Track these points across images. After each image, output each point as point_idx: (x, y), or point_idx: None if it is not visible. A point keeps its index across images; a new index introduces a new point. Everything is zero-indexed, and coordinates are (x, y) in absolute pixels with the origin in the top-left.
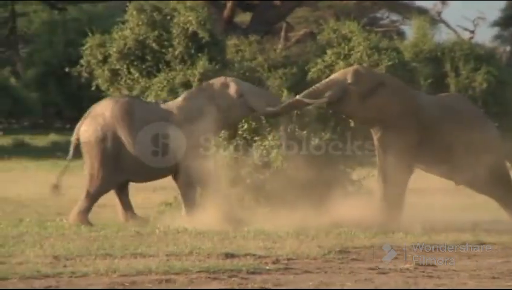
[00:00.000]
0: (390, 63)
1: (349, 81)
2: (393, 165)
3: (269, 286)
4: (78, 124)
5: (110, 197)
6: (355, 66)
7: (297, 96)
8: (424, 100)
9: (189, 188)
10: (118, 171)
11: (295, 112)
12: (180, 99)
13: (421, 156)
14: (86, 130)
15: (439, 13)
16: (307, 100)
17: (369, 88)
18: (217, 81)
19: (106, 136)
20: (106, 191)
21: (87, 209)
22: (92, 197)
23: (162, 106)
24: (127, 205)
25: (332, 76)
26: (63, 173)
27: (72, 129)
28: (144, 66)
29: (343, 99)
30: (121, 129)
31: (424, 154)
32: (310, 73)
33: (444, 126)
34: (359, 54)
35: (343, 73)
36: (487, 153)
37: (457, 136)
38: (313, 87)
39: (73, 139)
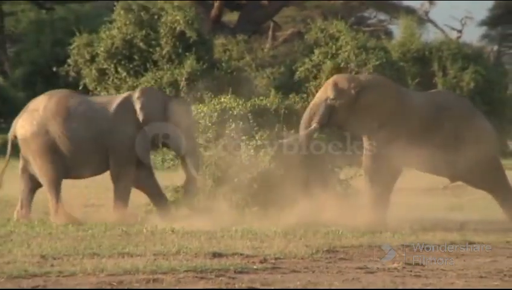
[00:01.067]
0: (377, 62)
1: (331, 96)
2: (381, 164)
3: (257, 285)
4: (15, 120)
5: (99, 197)
6: (332, 79)
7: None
8: (414, 97)
9: (120, 182)
10: (60, 163)
11: (282, 111)
12: (125, 95)
13: (413, 155)
14: (22, 125)
15: (426, 13)
16: (301, 134)
17: (353, 96)
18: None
19: (42, 132)
20: (60, 180)
21: (57, 206)
22: (54, 192)
23: (101, 100)
24: (29, 203)
25: (314, 99)
26: (3, 170)
27: None
28: (131, 66)
29: (333, 115)
30: (55, 124)
31: (416, 153)
32: (297, 72)
33: (437, 122)
34: (346, 53)
35: (323, 91)
36: (482, 147)
37: (450, 131)
38: (303, 119)
39: (10, 135)
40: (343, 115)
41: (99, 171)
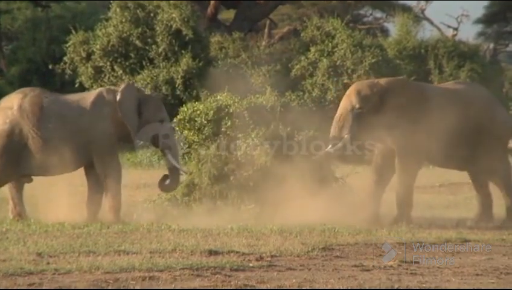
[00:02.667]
0: (373, 60)
1: (357, 106)
2: (405, 164)
3: (252, 283)
4: None
5: None
6: (354, 87)
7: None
8: (435, 91)
9: (109, 179)
10: (20, 165)
11: (278, 108)
12: (97, 92)
13: (438, 150)
14: None
15: (422, 10)
16: (333, 149)
17: (377, 101)
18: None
19: (14, 130)
20: (2, 184)
21: None
22: None
23: (74, 97)
24: (20, 201)
25: (339, 110)
26: None
27: None
28: (127, 63)
29: (361, 123)
30: (29, 123)
31: (441, 148)
32: (293, 70)
33: (460, 115)
34: (343, 51)
35: (346, 101)
36: (503, 139)
37: (471, 124)
38: (331, 134)
39: None
40: (371, 121)
41: (74, 169)
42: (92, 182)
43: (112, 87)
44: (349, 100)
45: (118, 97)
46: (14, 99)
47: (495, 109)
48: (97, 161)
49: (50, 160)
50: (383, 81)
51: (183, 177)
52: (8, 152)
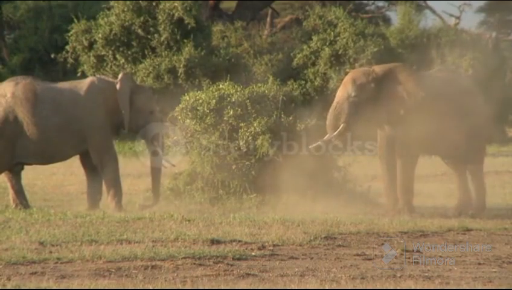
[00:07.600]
0: (375, 49)
1: (352, 94)
2: (403, 151)
3: (255, 272)
4: None
5: None
6: (349, 76)
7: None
8: (428, 78)
9: (106, 168)
10: (16, 153)
11: (280, 97)
12: (89, 80)
13: (434, 136)
14: None
15: None
16: (329, 138)
17: (373, 88)
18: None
19: (8, 117)
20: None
21: None
22: None
23: (67, 85)
24: (21, 189)
25: (335, 99)
26: None
27: None
28: (129, 52)
29: (358, 112)
30: (23, 110)
31: (436, 134)
32: (295, 59)
33: (446, 102)
34: (345, 40)
35: (343, 89)
36: (482, 122)
37: (456, 109)
38: (327, 122)
39: None
40: (368, 109)
41: (68, 157)
42: (90, 171)
43: (103, 76)
44: (345, 89)
45: (118, 86)
46: (6, 87)
47: (476, 98)
48: (92, 149)
49: (45, 147)
50: (378, 68)
51: (186, 167)
52: (3, 140)
